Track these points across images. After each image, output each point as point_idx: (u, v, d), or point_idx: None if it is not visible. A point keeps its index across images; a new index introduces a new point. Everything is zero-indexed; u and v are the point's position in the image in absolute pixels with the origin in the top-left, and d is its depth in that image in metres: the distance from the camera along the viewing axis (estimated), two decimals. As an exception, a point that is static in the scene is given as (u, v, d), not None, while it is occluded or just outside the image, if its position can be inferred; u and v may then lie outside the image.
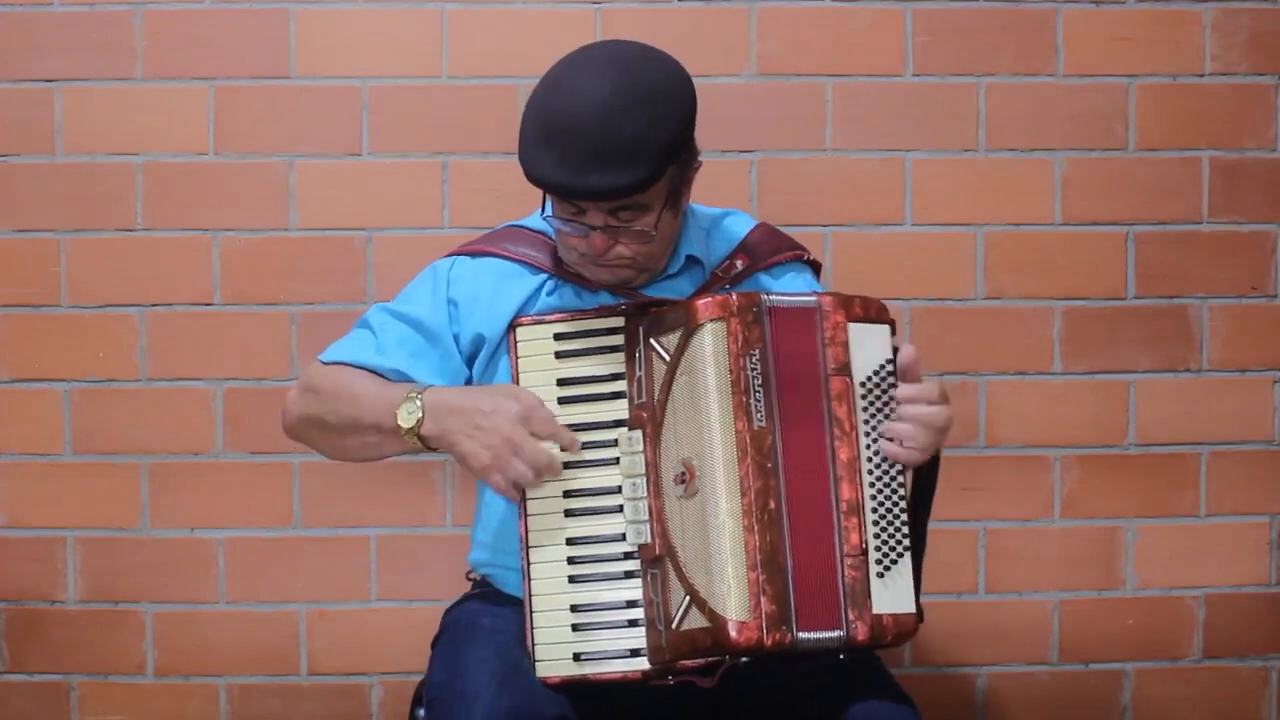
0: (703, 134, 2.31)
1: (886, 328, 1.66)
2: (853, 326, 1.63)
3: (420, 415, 1.68)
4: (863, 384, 1.63)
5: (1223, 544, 2.43)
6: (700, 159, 1.79)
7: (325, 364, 1.84)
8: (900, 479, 1.63)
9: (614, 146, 1.62)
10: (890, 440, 1.63)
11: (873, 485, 1.61)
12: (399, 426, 1.69)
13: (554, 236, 1.84)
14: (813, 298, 1.64)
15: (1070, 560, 2.42)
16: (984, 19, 2.37)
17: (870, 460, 1.62)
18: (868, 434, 1.62)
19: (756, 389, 1.58)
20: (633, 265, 1.76)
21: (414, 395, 1.70)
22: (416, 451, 1.73)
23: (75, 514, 2.34)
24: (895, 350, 1.66)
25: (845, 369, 1.62)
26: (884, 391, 1.64)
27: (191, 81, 2.32)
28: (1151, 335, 2.40)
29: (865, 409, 1.63)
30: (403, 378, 1.79)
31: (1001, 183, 2.38)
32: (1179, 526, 2.42)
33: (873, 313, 1.66)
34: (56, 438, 2.34)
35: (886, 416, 1.63)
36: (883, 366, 1.64)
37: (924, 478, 1.71)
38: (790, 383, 1.60)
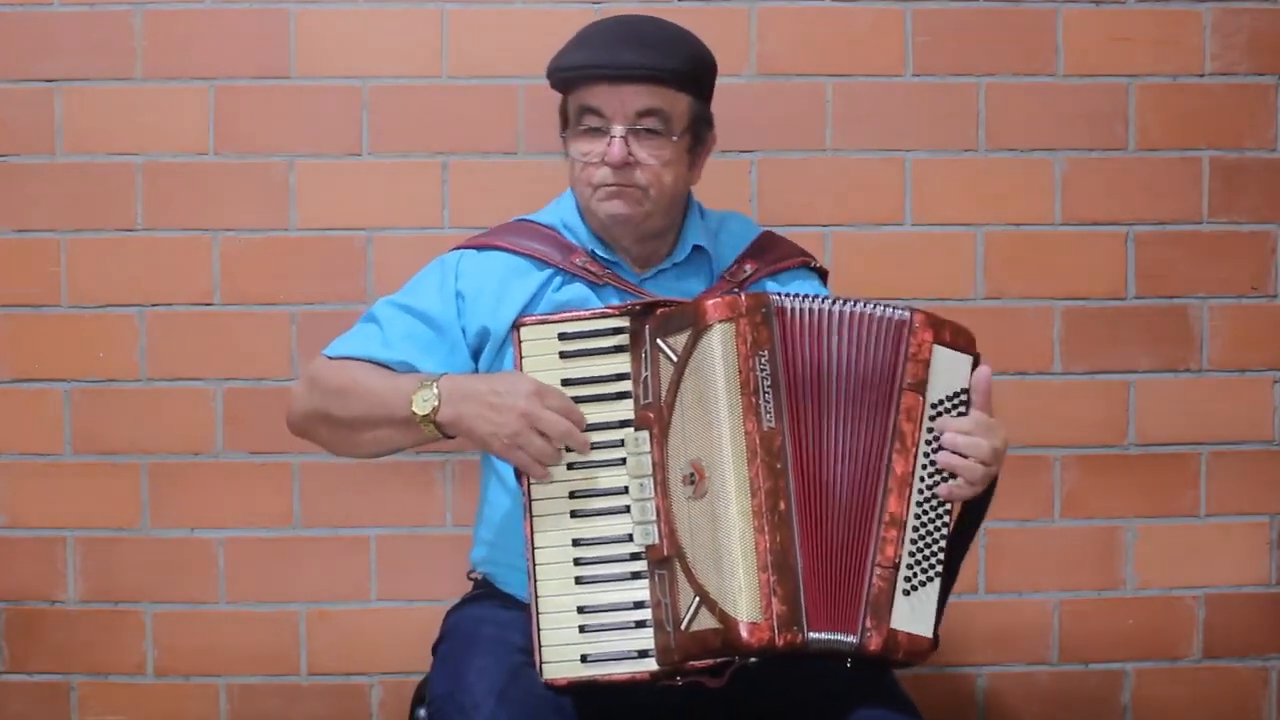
0: (703, 134, 2.30)
1: (970, 359, 1.66)
2: (938, 349, 1.63)
3: (436, 402, 1.67)
4: (934, 405, 1.63)
5: (1223, 544, 2.43)
6: (715, 132, 1.87)
7: (331, 359, 1.83)
8: (948, 506, 1.63)
9: (650, 36, 1.76)
10: (948, 476, 1.62)
11: (920, 505, 1.60)
12: (414, 414, 1.68)
13: (561, 231, 1.85)
14: (906, 311, 1.64)
15: (1070, 560, 2.42)
16: (984, 19, 2.37)
17: (923, 480, 1.61)
18: (927, 454, 1.62)
19: (766, 390, 1.57)
20: (643, 199, 1.77)
21: (429, 382, 1.69)
22: (430, 440, 1.71)
23: (75, 514, 2.34)
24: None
25: (921, 386, 1.62)
26: (953, 420, 1.63)
27: (191, 81, 2.32)
28: (1151, 335, 2.41)
29: (930, 430, 1.62)
30: (410, 370, 1.78)
31: (1001, 183, 2.38)
32: (1179, 526, 2.42)
33: (961, 342, 1.66)
34: (56, 438, 2.34)
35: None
36: (957, 395, 1.64)
37: (974, 511, 1.70)
38: (846, 387, 1.60)
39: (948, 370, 1.64)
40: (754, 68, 2.36)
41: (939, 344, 1.63)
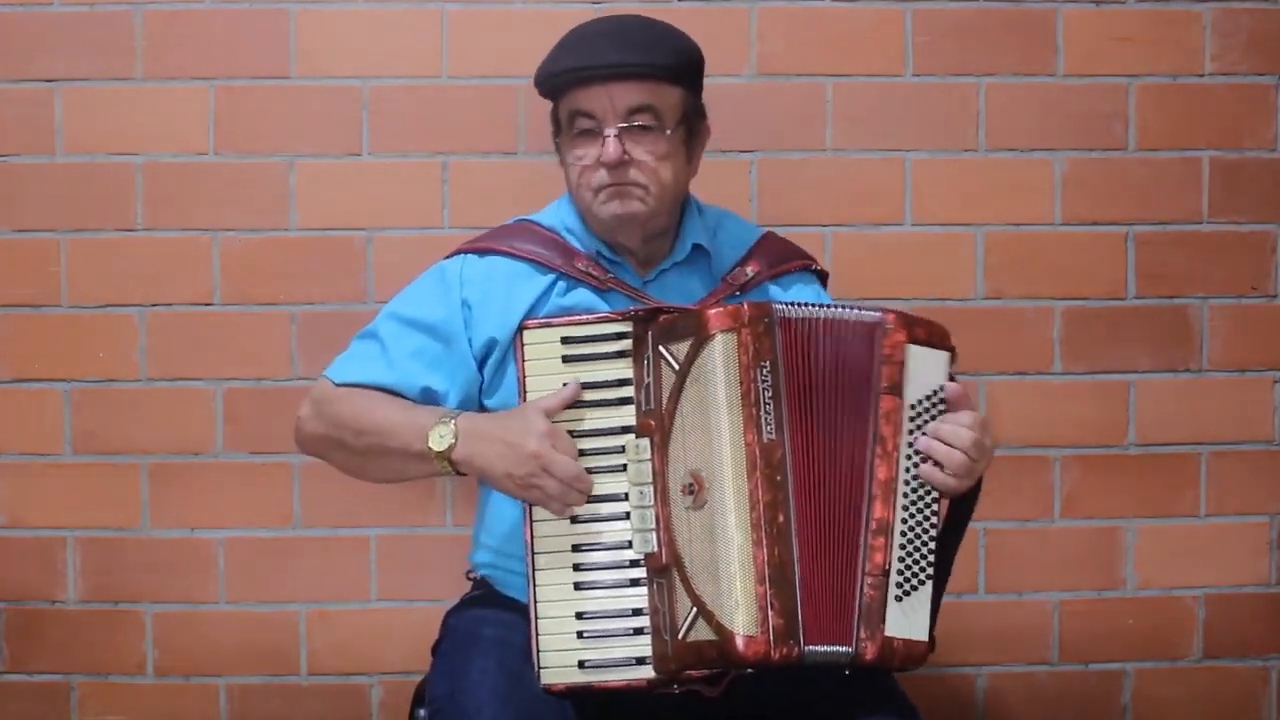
0: (703, 134, 2.30)
1: (946, 355, 1.65)
2: (912, 348, 1.62)
3: (453, 440, 1.67)
4: (912, 406, 1.62)
5: (1223, 544, 2.43)
6: (709, 123, 1.85)
7: (338, 384, 1.80)
8: (935, 506, 1.62)
9: (634, 35, 1.74)
10: (929, 462, 1.62)
11: (906, 509, 1.60)
12: (430, 450, 1.68)
13: (563, 234, 1.83)
14: (878, 313, 1.63)
15: (1070, 560, 2.42)
16: (984, 19, 2.37)
17: (908, 484, 1.61)
18: (909, 456, 1.61)
19: (767, 401, 1.57)
20: (645, 196, 1.75)
21: (447, 419, 1.68)
22: (442, 474, 1.72)
23: (75, 514, 2.34)
24: (953, 378, 1.65)
25: (897, 389, 1.61)
26: (933, 417, 1.63)
27: (191, 81, 2.32)
28: (1151, 335, 2.40)
29: (911, 431, 1.62)
30: (419, 390, 1.78)
31: (1001, 183, 2.38)
32: (1179, 526, 2.42)
33: (935, 338, 1.65)
34: (56, 438, 2.34)
35: None
36: (935, 393, 1.64)
37: (961, 508, 1.70)
38: (833, 395, 1.59)
39: (924, 369, 1.63)
40: (754, 68, 2.36)
41: (912, 343, 1.62)
